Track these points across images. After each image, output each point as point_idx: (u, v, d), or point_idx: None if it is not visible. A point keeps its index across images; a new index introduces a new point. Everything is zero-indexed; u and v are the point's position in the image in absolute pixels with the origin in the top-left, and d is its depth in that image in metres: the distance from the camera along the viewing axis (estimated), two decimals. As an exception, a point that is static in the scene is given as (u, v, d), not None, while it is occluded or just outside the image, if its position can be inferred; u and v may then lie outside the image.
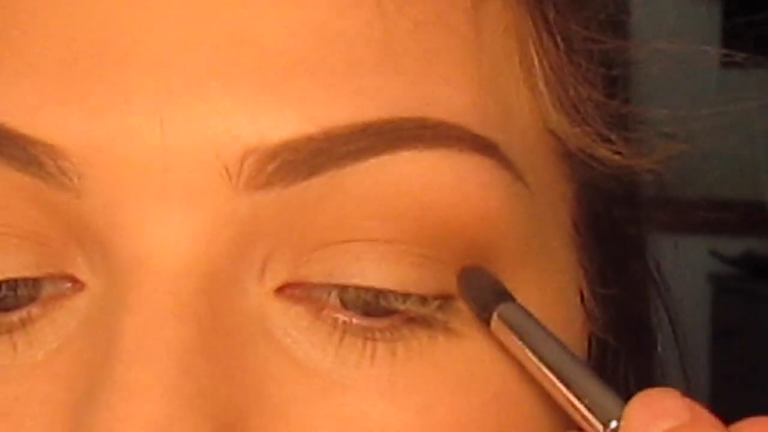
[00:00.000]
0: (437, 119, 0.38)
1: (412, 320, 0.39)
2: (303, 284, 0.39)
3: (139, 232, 0.37)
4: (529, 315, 0.38)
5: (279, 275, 0.39)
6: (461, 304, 0.39)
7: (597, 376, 0.37)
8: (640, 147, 0.43)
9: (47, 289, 0.39)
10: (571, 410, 0.36)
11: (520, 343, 0.38)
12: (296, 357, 0.38)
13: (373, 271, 0.38)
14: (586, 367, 0.37)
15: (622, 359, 0.45)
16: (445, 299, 0.39)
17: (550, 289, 0.42)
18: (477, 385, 0.39)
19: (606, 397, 0.36)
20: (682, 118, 0.45)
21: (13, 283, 0.39)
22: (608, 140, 0.42)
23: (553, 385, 0.37)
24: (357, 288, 0.39)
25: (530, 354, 0.38)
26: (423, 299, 0.39)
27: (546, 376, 0.37)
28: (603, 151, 0.42)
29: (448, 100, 0.39)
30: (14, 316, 0.39)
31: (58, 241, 0.39)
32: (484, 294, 0.39)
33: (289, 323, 0.38)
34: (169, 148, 0.37)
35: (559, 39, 0.42)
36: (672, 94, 0.46)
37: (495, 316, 0.38)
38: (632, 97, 0.46)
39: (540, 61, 0.42)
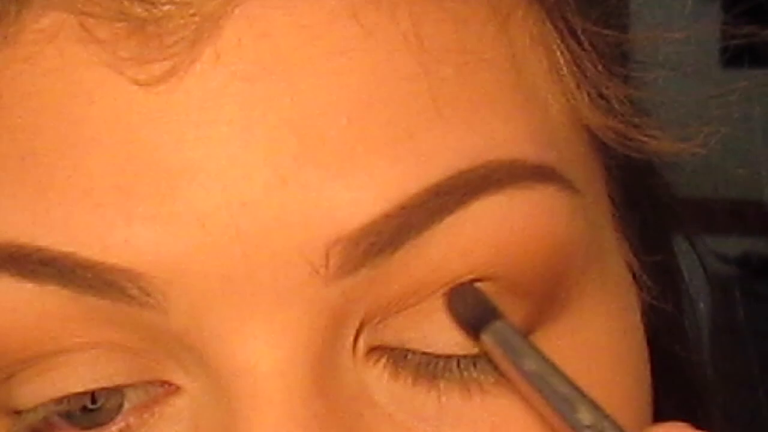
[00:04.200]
0: (497, 160, 0.37)
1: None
2: (380, 347, 0.38)
3: (235, 343, 0.36)
4: (518, 333, 0.38)
5: (364, 342, 0.38)
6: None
7: (586, 395, 0.37)
8: (667, 131, 0.43)
9: (133, 397, 0.38)
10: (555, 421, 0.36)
11: (511, 363, 0.38)
12: (403, 422, 0.38)
13: (435, 337, 0.38)
14: (576, 388, 0.37)
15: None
16: None
17: (609, 279, 0.42)
18: None
19: (594, 416, 0.36)
20: (682, 118, 0.45)
21: (96, 395, 0.38)
22: (639, 126, 0.42)
23: (545, 406, 0.37)
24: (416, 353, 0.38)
25: (520, 375, 0.37)
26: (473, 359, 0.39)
27: (538, 399, 0.37)
28: (639, 138, 0.42)
29: (502, 135, 0.38)
30: (113, 428, 0.38)
31: (146, 350, 0.38)
32: (472, 312, 0.38)
33: (387, 387, 0.38)
34: (250, 257, 0.36)
35: (580, 38, 0.41)
36: (672, 94, 0.46)
37: (486, 335, 0.38)
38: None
39: (567, 63, 0.41)
